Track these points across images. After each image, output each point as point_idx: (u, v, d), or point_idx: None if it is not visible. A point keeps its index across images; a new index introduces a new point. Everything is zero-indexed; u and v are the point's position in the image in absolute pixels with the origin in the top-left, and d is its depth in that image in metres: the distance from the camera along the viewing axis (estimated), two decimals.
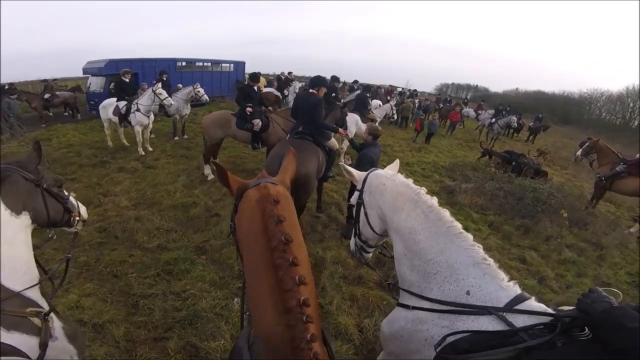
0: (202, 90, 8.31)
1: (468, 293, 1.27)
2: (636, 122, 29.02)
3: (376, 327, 2.81)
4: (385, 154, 9.12)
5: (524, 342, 1.07)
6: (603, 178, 6.46)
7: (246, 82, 5.95)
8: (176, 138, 8.32)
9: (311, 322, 0.76)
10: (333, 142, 4.26)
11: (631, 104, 30.11)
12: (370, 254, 1.90)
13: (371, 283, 3.46)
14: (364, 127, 7.60)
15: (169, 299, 2.88)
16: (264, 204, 0.91)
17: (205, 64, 15.52)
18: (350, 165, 2.71)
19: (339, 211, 4.97)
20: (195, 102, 9.25)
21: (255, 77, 5.92)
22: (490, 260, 1.32)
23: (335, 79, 9.20)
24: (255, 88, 5.82)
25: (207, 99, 8.81)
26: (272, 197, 0.92)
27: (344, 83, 14.96)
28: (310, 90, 4.02)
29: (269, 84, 15.94)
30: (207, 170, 5.85)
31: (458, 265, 1.32)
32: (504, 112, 14.86)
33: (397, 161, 1.98)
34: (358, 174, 1.80)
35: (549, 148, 13.49)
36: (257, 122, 5.53)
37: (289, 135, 4.32)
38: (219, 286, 3.13)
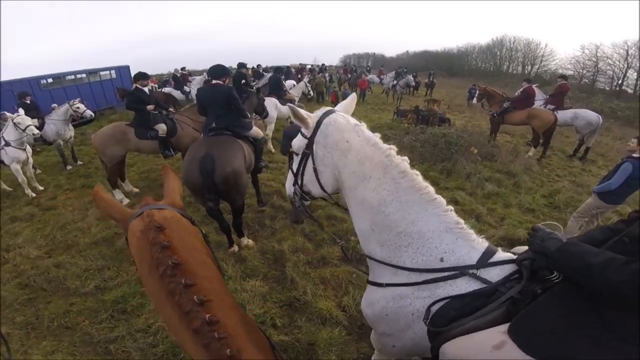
0: (82, 106, 6.81)
1: (442, 260, 1.23)
2: (505, 67, 34.82)
3: (356, 302, 2.80)
4: None
5: (506, 294, 1.09)
6: (496, 114, 7.88)
7: (133, 87, 4.99)
8: (69, 167, 6.73)
9: (226, 338, 0.74)
10: (256, 130, 3.94)
11: (498, 53, 35.90)
12: (309, 202, 1.63)
13: (335, 260, 3.42)
14: (284, 109, 7.44)
15: (138, 337, 2.56)
16: (147, 233, 0.88)
17: (79, 75, 13.00)
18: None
19: (282, 199, 4.76)
20: (80, 121, 7.70)
21: (141, 75, 4.98)
22: (463, 223, 1.28)
23: (242, 65, 8.62)
24: (146, 89, 4.99)
25: (92, 114, 7.33)
26: (156, 224, 0.90)
27: (252, 68, 14.38)
28: (214, 82, 3.60)
29: (165, 83, 14.35)
30: (119, 195, 4.93)
31: (430, 234, 1.24)
32: (402, 74, 16.33)
33: (354, 94, 1.62)
34: (311, 118, 1.41)
35: (445, 98, 15.34)
36: (162, 127, 4.81)
37: (202, 134, 3.86)
38: None
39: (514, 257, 1.21)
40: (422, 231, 1.24)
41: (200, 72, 18.50)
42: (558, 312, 0.97)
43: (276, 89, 8.06)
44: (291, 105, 1.46)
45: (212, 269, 0.94)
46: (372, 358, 2.08)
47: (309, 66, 25.61)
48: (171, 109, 5.28)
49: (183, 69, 14.66)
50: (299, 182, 1.50)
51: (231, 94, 3.54)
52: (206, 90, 3.69)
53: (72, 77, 12.76)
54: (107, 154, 4.67)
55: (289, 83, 11.36)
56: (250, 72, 12.57)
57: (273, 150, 7.11)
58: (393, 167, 1.28)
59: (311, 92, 11.62)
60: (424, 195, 1.26)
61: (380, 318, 1.38)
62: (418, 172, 1.31)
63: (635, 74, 23.49)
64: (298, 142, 1.48)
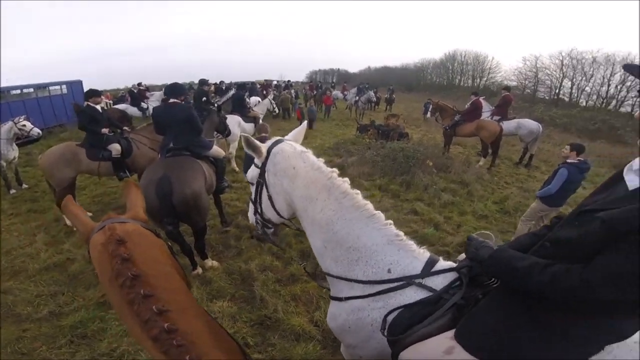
0: (28, 124, 6.29)
1: (389, 271, 1.33)
2: (457, 80, 37.39)
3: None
4: None
5: (449, 301, 1.19)
6: (448, 128, 8.43)
7: (84, 104, 4.72)
8: (12, 191, 6.11)
9: (185, 345, 0.77)
10: (216, 150, 3.89)
11: (450, 67, 38.52)
12: (273, 230, 1.74)
13: (305, 277, 3.43)
14: (247, 127, 7.42)
15: None
16: (108, 246, 0.90)
17: (26, 90, 12.05)
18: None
19: (247, 218, 4.71)
20: (25, 140, 7.12)
21: (93, 92, 4.77)
22: (402, 235, 1.39)
23: (203, 81, 8.48)
24: (99, 107, 4.76)
25: (39, 132, 6.76)
26: (117, 238, 0.91)
27: (215, 85, 14.19)
28: (171, 100, 3.52)
29: (121, 99, 13.75)
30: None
31: (375, 247, 1.35)
32: (364, 90, 17.01)
33: (305, 124, 1.75)
34: (263, 147, 1.51)
35: (403, 112, 16.14)
36: (116, 147, 4.57)
37: (159, 154, 3.74)
38: None
39: (454, 265, 1.32)
40: (367, 245, 1.35)
41: (159, 87, 17.93)
42: (497, 315, 1.05)
43: (239, 106, 7.98)
44: (245, 135, 1.52)
45: (175, 280, 0.96)
46: None
47: (274, 82, 25.84)
48: (126, 128, 5.05)
49: (140, 84, 14.13)
50: (259, 211, 1.60)
51: (190, 113, 3.48)
52: (163, 109, 3.59)
53: (18, 91, 11.81)
54: (55, 176, 4.34)
55: (254, 100, 11.33)
56: (212, 88, 12.42)
57: (237, 169, 7.03)
58: (335, 188, 1.39)
59: (276, 109, 11.68)
60: (364, 212, 1.37)
61: (343, 331, 1.46)
62: (358, 191, 1.43)
63: (570, 82, 26.09)
64: (251, 172, 1.59)
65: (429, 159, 6.80)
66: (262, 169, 1.51)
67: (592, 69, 24.50)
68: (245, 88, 12.28)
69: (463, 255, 1.55)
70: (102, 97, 11.55)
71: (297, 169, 1.43)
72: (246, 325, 2.80)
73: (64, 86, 13.19)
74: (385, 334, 1.28)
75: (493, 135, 7.52)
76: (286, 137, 1.62)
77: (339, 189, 1.39)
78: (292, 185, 1.44)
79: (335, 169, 1.46)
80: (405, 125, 10.52)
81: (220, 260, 3.73)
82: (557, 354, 0.95)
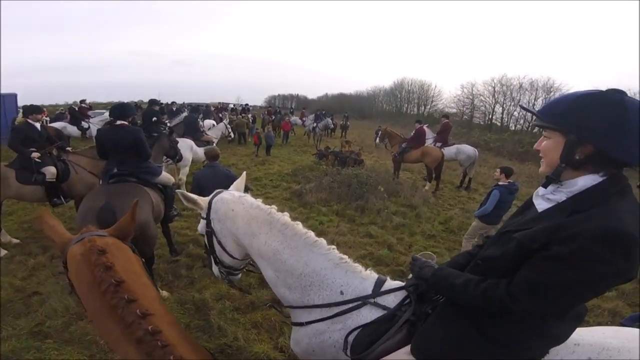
0: None
1: (342, 292, 1.41)
2: (404, 108, 40.30)
3: None
4: None
5: (402, 317, 1.29)
6: (397, 154, 8.92)
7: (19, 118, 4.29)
8: None
9: (169, 346, 0.81)
10: (165, 176, 3.69)
11: (398, 95, 41.71)
12: (239, 275, 1.84)
13: (266, 304, 3.36)
14: (200, 151, 7.20)
15: None
16: (89, 256, 0.94)
17: None
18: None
19: (199, 246, 4.48)
20: None
21: (34, 109, 4.33)
22: (347, 258, 1.49)
23: (154, 101, 8.16)
24: (37, 125, 4.31)
25: None
26: (98, 248, 0.95)
27: (166, 105, 13.71)
28: (118, 123, 3.30)
29: (59, 116, 12.61)
30: None
31: (324, 272, 1.43)
32: (321, 117, 17.59)
33: (244, 175, 1.92)
34: (202, 200, 1.65)
35: (357, 139, 16.90)
36: (51, 170, 4.13)
37: (101, 180, 3.47)
38: None
39: (402, 284, 1.42)
40: (316, 270, 1.43)
41: (104, 105, 16.74)
42: (445, 329, 1.13)
43: (192, 130, 7.73)
44: (182, 192, 1.66)
45: (152, 290, 1.02)
46: None
47: (230, 105, 25.45)
48: (68, 148, 4.61)
49: (83, 101, 13.03)
50: (216, 260, 1.70)
51: (138, 136, 3.27)
52: (108, 131, 3.34)
53: None
54: None
55: (208, 123, 10.94)
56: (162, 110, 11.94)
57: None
58: (276, 221, 1.50)
59: (232, 134, 11.45)
60: (306, 240, 1.47)
61: (308, 354, 1.51)
62: (299, 222, 1.54)
63: (501, 108, 29.29)
64: (200, 225, 1.69)
65: (381, 185, 7.18)
66: (208, 218, 1.62)
67: (519, 94, 27.93)
68: (199, 110, 11.93)
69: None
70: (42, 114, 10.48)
71: (235, 211, 1.56)
72: None
73: None
74: (348, 353, 1.34)
75: (436, 160, 8.11)
76: (230, 188, 1.79)
77: (279, 221, 1.50)
78: (234, 226, 1.55)
79: (274, 206, 1.58)
80: (360, 151, 11.03)
81: (171, 290, 3.50)
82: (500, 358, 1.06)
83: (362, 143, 16.52)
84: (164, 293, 3.38)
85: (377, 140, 10.04)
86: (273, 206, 1.58)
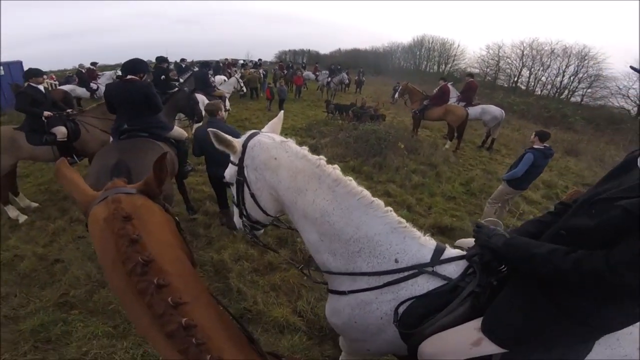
0: None
1: (396, 261, 1.25)
2: (423, 65, 38.22)
3: (311, 306, 2.76)
4: (244, 128, 8.82)
5: (466, 289, 1.16)
6: (417, 112, 8.55)
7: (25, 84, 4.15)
8: None
9: (205, 343, 0.69)
10: (178, 131, 3.55)
11: (418, 52, 39.39)
12: (263, 230, 1.63)
13: (284, 264, 3.30)
14: None
15: None
16: (112, 223, 0.77)
17: None
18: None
19: (216, 204, 4.48)
20: None
21: (34, 72, 4.25)
22: (405, 222, 1.31)
23: (162, 59, 7.78)
24: (41, 87, 4.24)
25: None
26: (123, 213, 0.78)
27: (175, 63, 13.28)
28: (128, 77, 3.14)
29: (68, 79, 12.47)
30: (13, 212, 4.04)
31: (378, 237, 1.26)
32: (336, 72, 16.85)
33: (281, 114, 1.64)
34: (237, 142, 1.39)
35: (372, 95, 16.26)
36: (61, 130, 4.09)
37: (111, 137, 3.37)
38: (119, 337, 2.47)
39: (464, 253, 1.28)
40: (369, 235, 1.25)
41: (112, 68, 16.40)
42: (521, 307, 1.05)
43: (203, 85, 7.57)
44: (213, 130, 1.36)
45: (186, 265, 0.86)
46: (341, 357, 2.08)
47: (241, 61, 24.69)
48: (70, 110, 4.48)
49: (94, 64, 12.76)
50: (244, 213, 1.47)
51: (149, 91, 3.12)
52: (118, 86, 3.19)
53: None
54: None
55: (219, 78, 10.80)
56: (172, 67, 11.61)
57: None
58: (326, 176, 1.28)
59: (244, 89, 11.23)
60: (361, 200, 1.27)
61: (349, 326, 1.38)
62: (351, 178, 1.32)
63: (528, 72, 27.78)
64: (229, 172, 1.45)
65: (400, 141, 6.88)
66: (240, 165, 1.37)
67: (549, 59, 26.36)
68: (209, 66, 11.60)
69: (462, 241, 1.54)
70: (45, 77, 10.29)
71: (279, 160, 1.31)
72: None
73: (1, 67, 11.68)
74: (398, 326, 1.23)
75: (460, 119, 7.77)
76: (262, 130, 1.50)
77: (330, 176, 1.28)
78: (276, 178, 1.32)
79: (322, 156, 1.34)
80: (377, 107, 10.57)
81: (192, 251, 3.49)
82: (579, 338, 1.01)
83: (378, 99, 15.87)
84: None
85: (397, 95, 9.53)
86: (322, 157, 1.34)
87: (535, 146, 3.88)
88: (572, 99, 24.82)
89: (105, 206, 0.82)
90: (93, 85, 11.18)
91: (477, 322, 1.13)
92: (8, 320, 2.63)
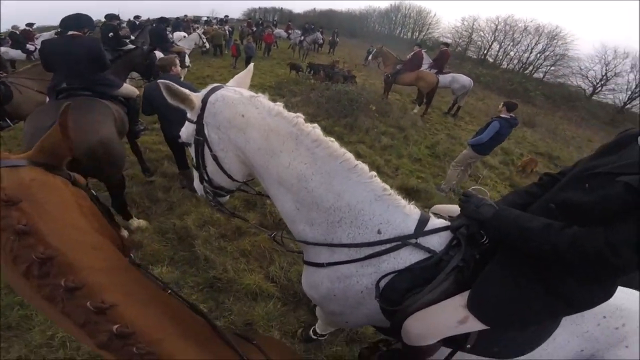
0: None
1: (379, 232, 1.16)
2: (397, 31, 37.68)
3: (284, 270, 2.68)
4: (206, 85, 8.15)
5: (450, 263, 1.10)
6: (389, 75, 8.52)
7: None
8: None
9: (150, 352, 0.55)
10: (128, 88, 3.18)
11: (394, 18, 38.73)
12: (228, 197, 1.45)
13: (253, 228, 3.13)
14: None
15: (44, 354, 2.04)
16: None
17: None
18: None
19: (175, 164, 4.20)
20: None
21: None
22: (389, 189, 1.19)
23: (112, 16, 6.91)
24: None
25: None
26: (4, 197, 0.56)
27: (128, 21, 11.87)
28: (70, 33, 2.73)
29: (1, 42, 10.79)
30: None
31: (361, 206, 1.14)
32: (310, 31, 16.05)
33: (251, 67, 1.41)
34: (195, 97, 1.18)
35: (345, 57, 15.84)
36: None
37: (48, 97, 2.97)
38: None
39: (448, 223, 1.21)
40: (351, 203, 1.14)
41: (55, 29, 14.32)
42: (508, 285, 1.01)
43: (159, 41, 6.88)
44: (165, 82, 1.13)
45: (108, 253, 0.66)
46: (317, 325, 2.04)
47: (204, 18, 22.73)
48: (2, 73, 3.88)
49: (30, 24, 11.06)
50: (206, 177, 1.28)
51: (94, 45, 2.74)
52: (56, 41, 2.75)
53: None
54: None
55: (178, 35, 10.03)
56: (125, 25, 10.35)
57: None
58: (304, 136, 1.11)
59: (207, 45, 10.36)
60: (344, 163, 1.13)
61: (327, 299, 1.30)
62: (333, 139, 1.16)
63: (499, 46, 28.89)
64: (186, 130, 1.24)
65: (372, 104, 6.82)
66: (199, 122, 1.17)
67: (521, 36, 27.63)
68: (167, 21, 10.49)
69: (439, 208, 1.47)
70: None
71: (247, 117, 1.12)
72: (194, 290, 2.46)
73: None
74: (380, 301, 1.16)
75: (430, 86, 7.85)
76: (229, 83, 1.30)
77: (309, 136, 1.11)
78: (243, 137, 1.14)
79: (300, 114, 1.17)
80: (351, 69, 10.33)
81: (149, 219, 3.17)
82: (556, 316, 1.03)
83: (350, 62, 15.49)
84: (142, 222, 3.05)
85: (370, 58, 9.35)
86: (299, 114, 1.16)
87: (502, 115, 4.03)
88: (535, 75, 26.27)
89: None
90: (30, 47, 9.78)
91: (462, 299, 1.09)
92: None
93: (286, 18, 37.78)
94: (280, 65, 12.67)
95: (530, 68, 26.92)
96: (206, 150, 1.21)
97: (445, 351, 1.18)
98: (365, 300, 1.21)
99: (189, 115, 1.21)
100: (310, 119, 5.98)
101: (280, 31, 19.55)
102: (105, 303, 0.55)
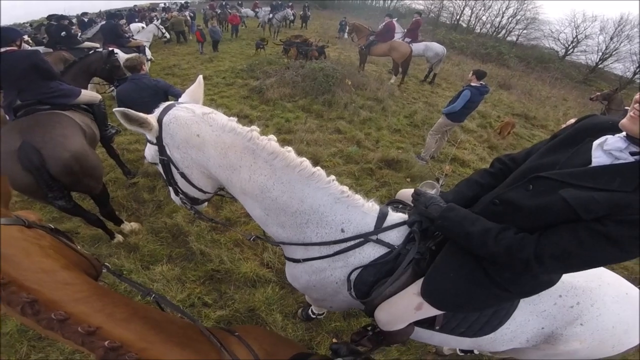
0: None
1: (342, 230, 1.25)
2: (369, 1, 36.64)
3: (277, 255, 2.77)
4: (174, 75, 7.91)
5: (407, 256, 1.20)
6: (363, 47, 8.41)
7: None
8: None
9: (141, 358, 0.68)
10: (87, 94, 3.01)
11: None
12: (206, 204, 1.52)
13: (242, 218, 3.19)
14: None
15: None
16: None
17: None
18: None
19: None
20: None
21: None
22: (347, 190, 1.27)
23: (61, 17, 6.45)
24: None
25: None
26: None
27: (77, 17, 11.08)
28: (2, 50, 2.53)
29: None
30: None
31: (323, 208, 1.22)
32: (279, 8, 15.40)
33: (200, 79, 1.42)
34: (152, 119, 1.18)
35: (319, 30, 15.37)
36: None
37: (7, 116, 2.81)
38: None
39: (405, 218, 1.30)
40: (314, 207, 1.21)
41: None
42: (455, 272, 1.10)
43: (114, 37, 6.48)
44: (121, 110, 1.10)
45: (80, 284, 0.76)
46: (313, 308, 2.21)
47: (161, 5, 21.40)
48: None
49: None
50: (179, 190, 1.35)
51: (35, 58, 2.56)
52: None
53: None
54: None
55: (135, 26, 9.42)
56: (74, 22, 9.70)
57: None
58: (261, 150, 1.16)
59: (167, 34, 9.81)
60: (302, 172, 1.19)
61: (308, 289, 1.42)
62: (290, 148, 1.21)
63: (470, 11, 28.91)
64: (149, 152, 1.30)
65: (348, 78, 6.72)
66: (159, 144, 1.21)
67: (491, 1, 27.50)
68: (119, 15, 9.80)
69: (403, 193, 1.58)
70: None
71: (202, 136, 1.15)
72: (196, 284, 2.53)
73: None
74: (353, 293, 1.28)
75: (404, 56, 7.79)
76: (180, 99, 1.32)
77: (265, 149, 1.16)
78: (203, 156, 1.18)
79: (254, 127, 1.20)
80: (323, 43, 10.07)
81: (140, 220, 3.16)
82: (504, 301, 1.12)
83: (324, 34, 15.04)
84: (134, 225, 3.04)
85: (346, 35, 9.18)
86: (253, 127, 1.20)
87: (472, 84, 4.06)
88: (508, 39, 26.53)
89: None
90: None
91: (416, 287, 1.19)
92: None
93: None
94: (250, 46, 12.16)
95: (503, 32, 27.24)
96: (173, 168, 1.26)
97: (420, 331, 1.32)
98: (341, 290, 1.33)
99: (148, 137, 1.23)
100: (288, 99, 5.92)
101: (247, 10, 18.61)
102: (91, 326, 0.67)
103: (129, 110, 1.11)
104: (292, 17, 16.56)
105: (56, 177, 2.25)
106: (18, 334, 2.26)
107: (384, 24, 8.19)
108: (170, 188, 1.37)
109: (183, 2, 19.87)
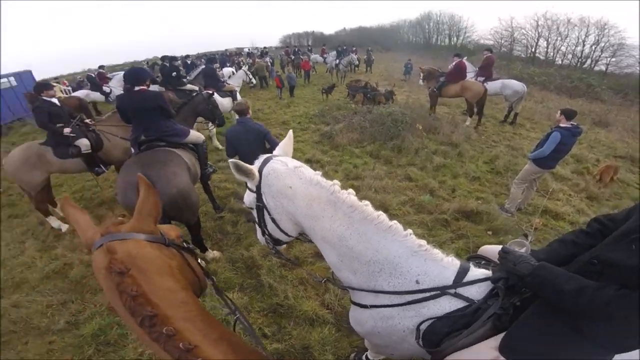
0: None
1: (417, 282, 1.26)
2: (434, 39, 36.92)
3: (338, 298, 2.82)
4: (259, 119, 8.76)
5: (487, 311, 1.16)
6: (434, 89, 8.30)
7: (36, 97, 4.11)
8: None
9: None
10: (195, 135, 3.55)
11: (426, 26, 38.19)
12: (285, 244, 1.68)
13: (310, 258, 3.36)
14: (225, 102, 6.98)
15: None
16: (112, 276, 0.81)
17: None
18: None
19: (240, 199, 4.49)
20: None
21: (43, 86, 4.13)
22: (425, 244, 1.30)
23: (172, 58, 7.87)
24: (56, 100, 4.19)
25: None
26: (118, 267, 0.81)
27: (181, 58, 13.35)
28: (136, 89, 3.15)
29: (79, 84, 12.66)
30: (55, 222, 4.21)
31: (398, 260, 1.27)
32: (343, 53, 16.44)
33: (290, 133, 1.61)
34: (255, 171, 1.37)
35: (383, 73, 15.76)
36: (84, 143, 4.12)
37: (132, 148, 3.41)
38: None
39: (489, 274, 1.28)
40: (389, 258, 1.27)
41: (120, 67, 16.57)
42: (539, 330, 1.05)
43: (212, 81, 7.51)
44: (235, 161, 1.33)
45: (192, 304, 0.88)
46: (369, 352, 2.15)
47: (246, 50, 24.46)
48: (88, 120, 4.46)
49: (101, 67, 12.92)
50: (266, 233, 1.52)
51: (160, 98, 3.17)
52: (128, 97, 3.21)
53: None
54: (25, 181, 3.91)
55: (227, 71, 10.74)
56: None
57: (220, 146, 6.63)
58: (341, 203, 1.29)
59: (253, 80, 11.10)
60: (379, 225, 1.27)
61: (372, 334, 1.43)
62: (368, 202, 1.32)
63: (546, 42, 26.77)
64: (248, 198, 1.49)
65: (418, 122, 6.67)
66: (258, 192, 1.40)
67: (566, 29, 25.54)
68: (215, 60, 11.56)
69: (486, 249, 1.55)
70: (58, 85, 10.48)
71: (294, 188, 1.32)
72: (260, 315, 2.74)
73: (11, 78, 11.94)
74: (420, 342, 1.26)
75: (477, 95, 7.50)
76: (275, 152, 1.52)
77: (344, 202, 1.29)
78: (293, 206, 1.34)
79: (336, 181, 1.35)
80: (391, 86, 10.27)
81: (221, 249, 3.57)
82: (596, 357, 1.01)
83: (389, 77, 15.39)
84: (216, 253, 3.44)
85: (421, 82, 9.16)
86: (335, 181, 1.34)
87: (562, 124, 3.69)
88: (596, 68, 23.60)
89: (103, 254, 0.84)
90: (105, 89, 11.34)
91: (494, 341, 1.14)
92: (70, 326, 2.79)
93: (319, 40, 39.14)
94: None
95: (589, 61, 24.30)
96: (266, 214, 1.43)
97: None
98: (408, 338, 1.31)
99: (249, 185, 1.43)
100: (356, 144, 6.06)
101: (316, 56, 20.26)
102: (191, 344, 0.76)
103: (240, 162, 1.32)
104: (356, 62, 17.40)
105: (163, 209, 2.65)
106: (91, 337, 2.62)
107: (453, 64, 8.05)
108: (258, 228, 1.54)
109: (262, 47, 22.51)
